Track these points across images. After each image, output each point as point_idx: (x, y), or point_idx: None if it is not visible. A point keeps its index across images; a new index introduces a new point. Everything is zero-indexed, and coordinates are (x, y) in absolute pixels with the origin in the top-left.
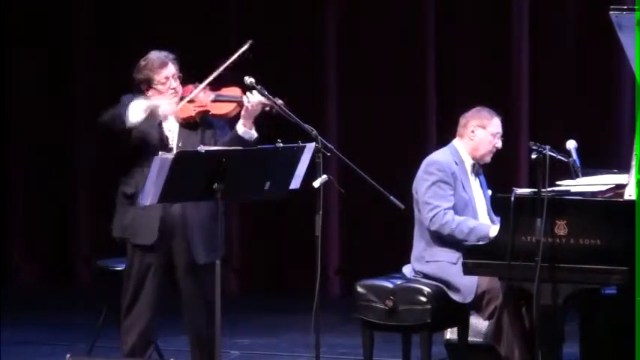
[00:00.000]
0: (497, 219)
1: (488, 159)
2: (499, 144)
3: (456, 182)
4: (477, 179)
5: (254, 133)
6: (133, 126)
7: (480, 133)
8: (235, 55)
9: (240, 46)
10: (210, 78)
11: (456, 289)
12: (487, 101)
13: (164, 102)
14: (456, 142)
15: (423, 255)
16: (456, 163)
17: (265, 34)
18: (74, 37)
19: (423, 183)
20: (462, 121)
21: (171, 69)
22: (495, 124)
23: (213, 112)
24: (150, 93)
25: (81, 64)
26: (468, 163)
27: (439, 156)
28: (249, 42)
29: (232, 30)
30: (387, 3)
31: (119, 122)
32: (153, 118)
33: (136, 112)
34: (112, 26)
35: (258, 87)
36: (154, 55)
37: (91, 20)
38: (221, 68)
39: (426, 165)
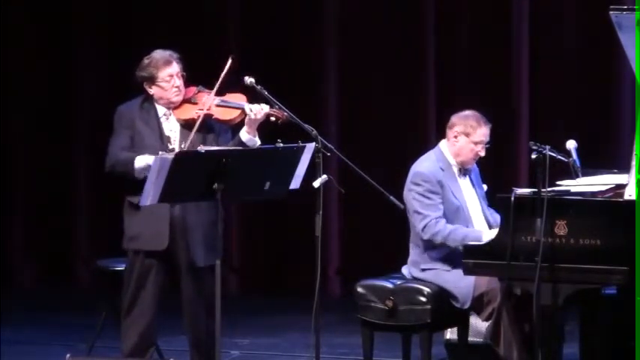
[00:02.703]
0: (491, 213)
1: (469, 165)
2: (482, 152)
3: (443, 189)
4: (467, 178)
5: (257, 140)
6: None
7: (462, 140)
8: (222, 75)
9: (224, 65)
10: (209, 101)
11: (453, 296)
12: (487, 101)
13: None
14: (442, 144)
15: (418, 261)
16: (442, 169)
17: (265, 34)
18: (75, 37)
19: (410, 194)
20: (450, 121)
21: (175, 67)
22: (480, 134)
23: (216, 116)
24: (152, 91)
25: (82, 64)
26: (455, 166)
27: (424, 166)
28: (231, 58)
29: (233, 30)
30: (387, 3)
31: (130, 177)
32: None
33: (142, 170)
34: (113, 27)
35: (258, 87)
36: (158, 54)
37: (92, 20)
38: (214, 90)
39: (412, 176)
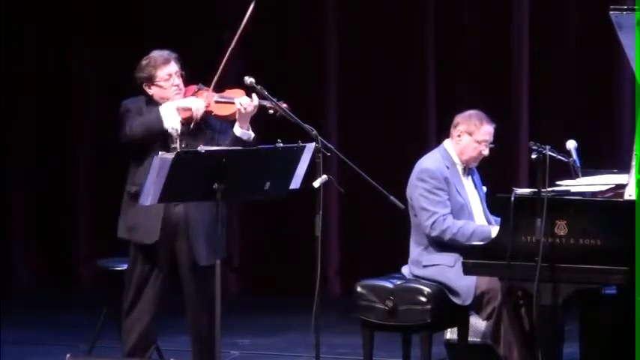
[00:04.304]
0: (493, 218)
1: (473, 164)
2: (486, 151)
3: (449, 187)
4: (470, 178)
5: (251, 133)
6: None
7: (466, 139)
8: (245, 19)
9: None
10: (228, 53)
11: (455, 292)
12: (487, 101)
13: (192, 99)
14: (446, 143)
15: (419, 259)
16: (448, 167)
17: (266, 35)
18: (75, 36)
19: (416, 190)
20: (454, 120)
21: (174, 66)
22: (483, 132)
23: (216, 112)
24: (152, 91)
25: (81, 64)
26: (460, 164)
27: (430, 162)
28: (253, 2)
29: (232, 30)
30: (388, 3)
31: (156, 131)
32: (188, 117)
33: (170, 116)
34: (112, 27)
35: (258, 87)
36: (157, 54)
37: (92, 20)
38: (235, 38)
39: (419, 172)
